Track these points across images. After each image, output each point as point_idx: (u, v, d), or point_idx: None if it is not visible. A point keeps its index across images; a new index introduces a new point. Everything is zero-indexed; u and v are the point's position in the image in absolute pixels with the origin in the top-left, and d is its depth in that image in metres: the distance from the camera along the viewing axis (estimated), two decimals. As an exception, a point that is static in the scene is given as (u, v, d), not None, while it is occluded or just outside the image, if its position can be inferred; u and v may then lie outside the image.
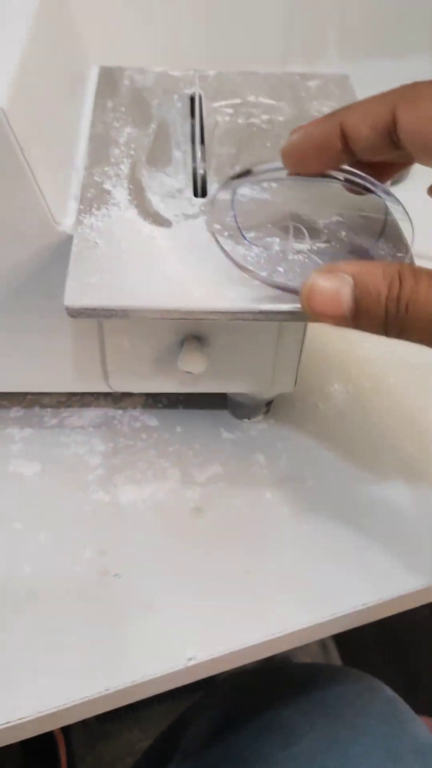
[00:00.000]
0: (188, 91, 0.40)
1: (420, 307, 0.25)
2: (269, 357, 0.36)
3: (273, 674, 0.49)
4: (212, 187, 0.34)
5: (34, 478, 0.38)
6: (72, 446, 0.40)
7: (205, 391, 0.38)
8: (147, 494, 0.38)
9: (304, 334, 0.36)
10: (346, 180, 0.32)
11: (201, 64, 0.67)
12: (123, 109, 0.38)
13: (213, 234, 0.31)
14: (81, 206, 0.32)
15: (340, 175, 0.32)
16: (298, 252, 0.30)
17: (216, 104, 0.40)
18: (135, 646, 0.32)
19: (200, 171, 0.34)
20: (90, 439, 0.40)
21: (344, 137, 0.29)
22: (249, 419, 0.41)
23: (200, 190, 0.34)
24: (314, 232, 0.31)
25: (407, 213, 0.32)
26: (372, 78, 0.70)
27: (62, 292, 0.28)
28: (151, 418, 0.41)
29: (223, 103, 0.40)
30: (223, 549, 0.36)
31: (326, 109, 0.40)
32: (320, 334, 0.46)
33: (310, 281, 0.26)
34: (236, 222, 0.31)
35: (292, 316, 0.29)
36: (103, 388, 0.37)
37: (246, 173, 0.34)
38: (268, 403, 0.41)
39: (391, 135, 0.28)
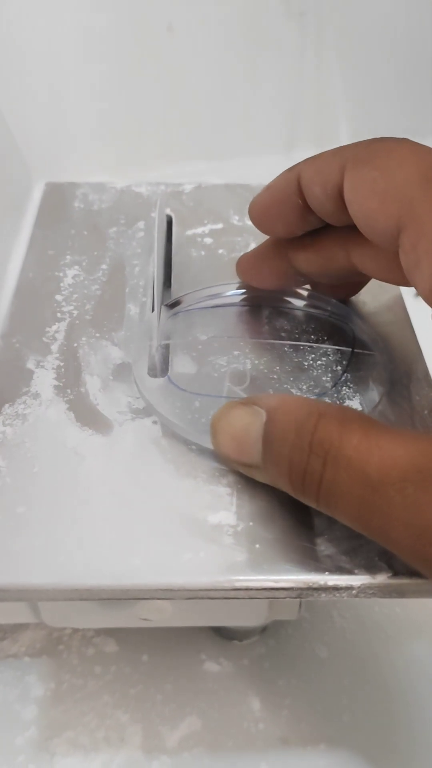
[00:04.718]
0: (156, 215, 0.31)
1: (341, 467, 0.17)
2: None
3: None
4: (176, 359, 0.25)
5: None
6: (-1, 688, 0.29)
7: (175, 626, 0.28)
8: (95, 770, 0.27)
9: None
10: (307, 305, 0.27)
11: (195, 153, 0.58)
12: (69, 243, 0.30)
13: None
14: (-13, 399, 0.23)
15: (297, 300, 0.27)
16: None
17: (191, 231, 0.31)
18: None
19: (156, 337, 0.25)
20: (24, 677, 0.30)
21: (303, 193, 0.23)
22: (240, 641, 0.31)
23: (159, 365, 0.25)
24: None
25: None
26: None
27: None
28: (108, 642, 0.31)
29: (200, 229, 0.31)
30: None
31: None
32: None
33: (218, 413, 0.20)
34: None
35: (286, 592, 0.19)
36: (30, 620, 0.27)
37: (175, 304, 0.26)
38: (266, 619, 0.31)
39: (343, 199, 0.21)
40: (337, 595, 0.19)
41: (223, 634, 0.31)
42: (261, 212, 0.24)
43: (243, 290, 0.27)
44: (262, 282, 0.27)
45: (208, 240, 0.30)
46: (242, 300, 0.27)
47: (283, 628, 0.31)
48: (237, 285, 0.27)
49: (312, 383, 0.24)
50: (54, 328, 0.25)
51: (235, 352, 0.25)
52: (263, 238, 0.30)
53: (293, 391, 0.23)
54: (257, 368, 0.24)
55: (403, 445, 0.17)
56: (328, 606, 0.32)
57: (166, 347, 0.25)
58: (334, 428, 0.18)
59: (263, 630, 0.31)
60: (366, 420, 0.18)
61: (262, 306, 0.27)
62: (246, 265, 0.27)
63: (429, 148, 0.20)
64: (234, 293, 0.27)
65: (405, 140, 0.21)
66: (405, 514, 0.16)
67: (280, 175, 0.24)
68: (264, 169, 0.60)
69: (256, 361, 0.24)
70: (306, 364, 0.24)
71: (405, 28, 0.59)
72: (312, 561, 0.19)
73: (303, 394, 0.23)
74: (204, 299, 0.27)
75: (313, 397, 0.23)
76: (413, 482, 0.16)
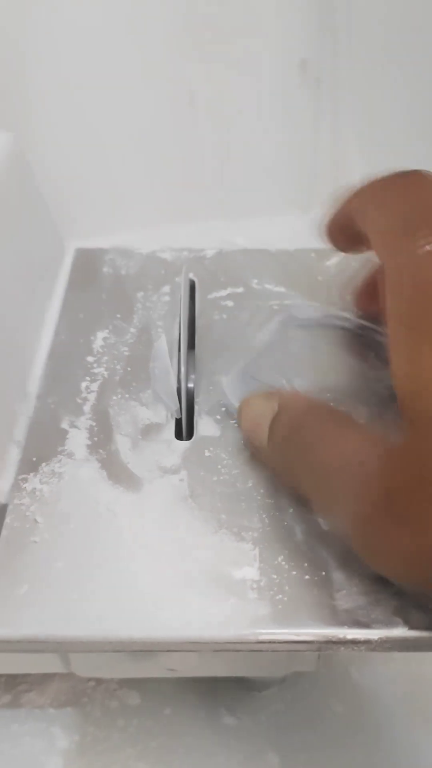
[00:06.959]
0: (180, 279, 0.33)
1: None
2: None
3: None
4: (200, 422, 0.26)
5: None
6: (25, 739, 0.30)
7: (198, 675, 0.28)
8: None
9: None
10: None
11: (215, 214, 0.61)
12: (101, 307, 0.31)
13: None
14: (22, 458, 0.24)
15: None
16: None
17: (213, 295, 0.33)
18: None
19: (184, 400, 0.26)
20: (50, 728, 0.30)
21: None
22: (259, 692, 0.31)
23: (185, 427, 0.26)
24: None
25: None
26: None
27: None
28: (131, 694, 0.31)
29: (222, 293, 0.33)
30: None
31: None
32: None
33: (245, 399, 0.25)
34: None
35: (307, 645, 0.20)
36: (60, 670, 0.28)
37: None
38: (285, 672, 0.31)
39: None
40: (356, 648, 0.20)
41: (243, 684, 0.31)
42: (331, 230, 0.26)
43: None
44: (342, 248, 0.27)
45: (229, 303, 0.32)
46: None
47: (300, 683, 0.32)
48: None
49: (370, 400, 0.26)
50: (86, 388, 0.27)
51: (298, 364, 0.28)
52: (284, 300, 0.32)
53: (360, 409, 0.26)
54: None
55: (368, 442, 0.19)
56: (346, 662, 0.33)
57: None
58: (317, 424, 0.21)
59: (282, 680, 0.31)
60: (350, 420, 0.21)
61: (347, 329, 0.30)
62: (329, 234, 0.27)
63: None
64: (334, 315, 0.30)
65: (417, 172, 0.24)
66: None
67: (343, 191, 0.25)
68: (282, 228, 0.62)
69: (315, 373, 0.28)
70: (367, 383, 0.27)
71: (422, 94, 0.61)
72: (331, 615, 0.20)
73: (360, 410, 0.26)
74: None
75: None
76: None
